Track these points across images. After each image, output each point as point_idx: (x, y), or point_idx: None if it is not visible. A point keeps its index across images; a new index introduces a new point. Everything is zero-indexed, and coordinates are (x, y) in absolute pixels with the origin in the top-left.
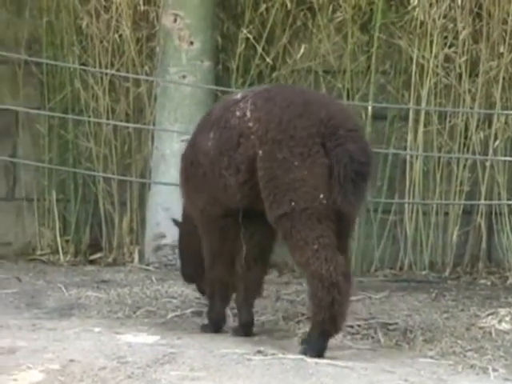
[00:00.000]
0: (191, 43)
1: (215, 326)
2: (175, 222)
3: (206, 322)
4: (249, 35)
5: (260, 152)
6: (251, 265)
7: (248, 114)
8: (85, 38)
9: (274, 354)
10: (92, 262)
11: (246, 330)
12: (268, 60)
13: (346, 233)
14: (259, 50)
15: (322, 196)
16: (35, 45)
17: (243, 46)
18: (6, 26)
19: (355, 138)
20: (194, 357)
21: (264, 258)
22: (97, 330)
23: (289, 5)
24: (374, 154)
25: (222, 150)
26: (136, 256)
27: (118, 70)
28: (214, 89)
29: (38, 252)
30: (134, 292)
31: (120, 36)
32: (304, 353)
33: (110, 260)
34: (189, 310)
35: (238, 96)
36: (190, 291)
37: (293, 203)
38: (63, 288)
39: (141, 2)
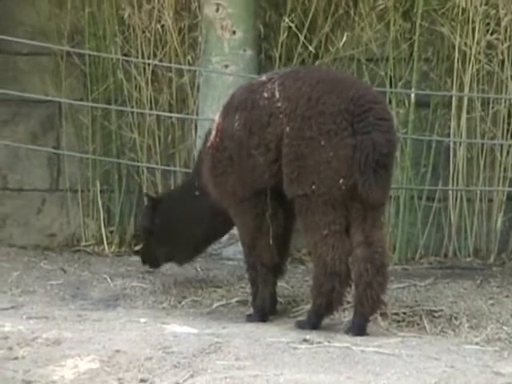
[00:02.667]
0: (233, 32)
1: (260, 313)
2: (148, 196)
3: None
4: (291, 24)
5: (287, 129)
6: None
7: (277, 94)
8: (127, 28)
9: (319, 343)
10: (137, 253)
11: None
12: (310, 48)
13: (371, 218)
14: (301, 38)
15: (341, 181)
16: (77, 36)
17: (285, 34)
18: (49, 18)
19: (383, 128)
20: (240, 346)
21: (286, 238)
22: (142, 320)
23: None
24: (397, 145)
25: (252, 130)
26: None
27: (160, 61)
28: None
29: (83, 243)
30: (179, 282)
31: (162, 26)
32: (299, 326)
33: None
34: (234, 300)
35: (264, 78)
36: (236, 280)
37: (313, 186)
38: (108, 279)
39: None
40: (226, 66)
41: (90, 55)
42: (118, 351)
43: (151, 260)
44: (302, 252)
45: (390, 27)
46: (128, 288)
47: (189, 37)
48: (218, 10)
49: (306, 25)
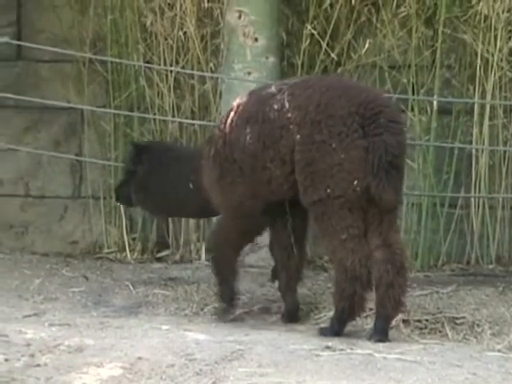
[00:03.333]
0: (256, 40)
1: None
2: (134, 145)
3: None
4: (313, 31)
5: (298, 136)
6: (290, 252)
7: (286, 104)
8: (149, 35)
9: (342, 350)
10: (159, 260)
11: (291, 316)
12: (333, 56)
13: (387, 221)
14: (324, 45)
15: (356, 183)
16: (100, 43)
17: (308, 41)
18: (71, 25)
19: (394, 130)
20: (262, 353)
21: (300, 243)
22: (164, 327)
23: (353, 0)
24: (407, 146)
25: (266, 144)
26: (203, 253)
27: (182, 68)
28: None
29: (105, 250)
30: (201, 289)
31: (184, 33)
32: (322, 333)
33: (177, 257)
34: (256, 307)
35: (273, 89)
36: (258, 287)
37: (328, 190)
38: (130, 286)
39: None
40: (249, 73)
41: (112, 62)
42: (140, 358)
43: (124, 197)
44: (324, 259)
45: (412, 34)
46: (150, 295)
47: (211, 44)
48: (240, 17)
49: (329, 32)
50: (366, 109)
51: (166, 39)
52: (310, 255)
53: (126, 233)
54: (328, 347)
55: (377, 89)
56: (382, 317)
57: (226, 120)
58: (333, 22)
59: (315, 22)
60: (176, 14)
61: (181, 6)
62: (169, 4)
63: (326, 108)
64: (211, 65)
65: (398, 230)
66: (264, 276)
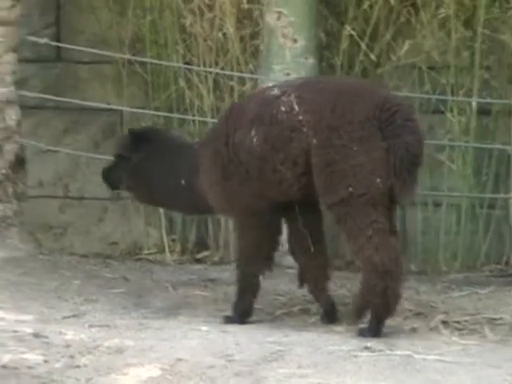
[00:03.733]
0: (295, 41)
1: (240, 319)
2: (131, 132)
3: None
4: (352, 32)
5: (314, 141)
6: (310, 253)
7: (296, 107)
8: (188, 36)
9: (381, 351)
10: (199, 261)
11: (329, 315)
12: (372, 56)
13: (393, 221)
14: (363, 46)
15: (378, 180)
16: (139, 44)
17: (347, 42)
18: (110, 26)
19: (412, 129)
20: (302, 354)
21: (320, 241)
22: (204, 328)
23: (392, 1)
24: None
25: (275, 146)
26: None
27: (222, 69)
28: None
29: (145, 251)
30: None
31: (224, 34)
32: (361, 334)
33: (216, 258)
34: (296, 308)
35: (276, 92)
36: (297, 288)
37: (350, 189)
38: (170, 287)
39: (244, 1)
40: (288, 75)
41: (151, 63)
42: (179, 359)
43: (112, 181)
44: None
45: (451, 35)
46: (190, 296)
47: (250, 45)
48: (279, 18)
49: (368, 33)
50: (382, 111)
51: (205, 40)
52: (349, 256)
53: (166, 234)
54: (367, 348)
55: (384, 86)
56: (375, 318)
57: (227, 121)
58: (372, 22)
59: (354, 23)
60: (215, 15)
61: (220, 7)
62: (208, 5)
63: (342, 114)
64: (250, 66)
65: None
66: None
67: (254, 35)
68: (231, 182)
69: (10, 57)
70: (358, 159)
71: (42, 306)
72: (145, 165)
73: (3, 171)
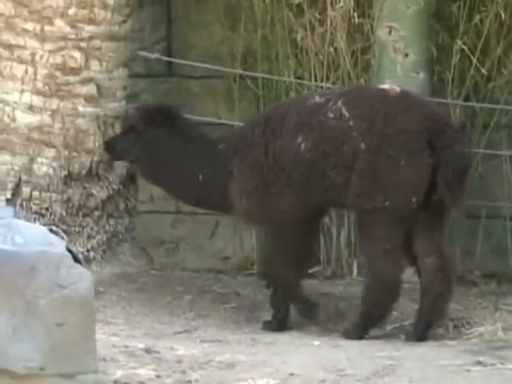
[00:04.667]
0: (406, 55)
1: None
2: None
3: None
4: (463, 46)
5: (362, 145)
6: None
7: (346, 113)
8: (300, 51)
9: (493, 365)
10: (310, 275)
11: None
12: (483, 71)
13: (439, 229)
14: (474, 61)
15: (414, 200)
16: (250, 59)
17: (458, 57)
18: (221, 41)
19: (461, 140)
20: (413, 368)
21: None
22: (316, 343)
23: (503, 15)
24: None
25: (326, 152)
26: (355, 269)
27: (333, 83)
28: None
29: (257, 266)
30: (353, 304)
31: (335, 49)
32: (348, 337)
33: (328, 273)
34: (407, 322)
35: (318, 99)
36: (409, 302)
37: (386, 202)
38: None
39: (355, 15)
40: None
41: (262, 78)
42: (291, 374)
43: (116, 151)
44: (475, 274)
45: None
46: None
47: (361, 59)
48: (390, 32)
49: (479, 47)
50: (431, 122)
51: (316, 55)
52: (461, 270)
53: None
54: (479, 362)
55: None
56: (425, 321)
57: (265, 129)
58: (483, 36)
59: (465, 37)
60: (327, 30)
61: (331, 21)
62: (319, 20)
63: (394, 121)
64: (362, 80)
65: (447, 237)
66: (415, 291)
67: (365, 50)
68: (270, 190)
69: (121, 72)
70: (403, 174)
71: (153, 322)
72: (162, 142)
73: (114, 186)
